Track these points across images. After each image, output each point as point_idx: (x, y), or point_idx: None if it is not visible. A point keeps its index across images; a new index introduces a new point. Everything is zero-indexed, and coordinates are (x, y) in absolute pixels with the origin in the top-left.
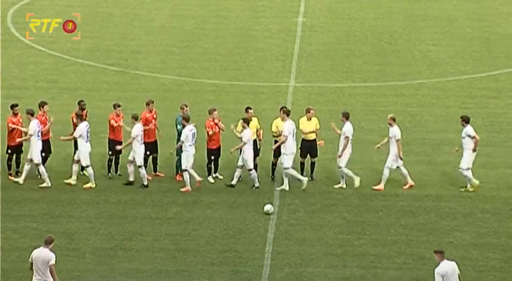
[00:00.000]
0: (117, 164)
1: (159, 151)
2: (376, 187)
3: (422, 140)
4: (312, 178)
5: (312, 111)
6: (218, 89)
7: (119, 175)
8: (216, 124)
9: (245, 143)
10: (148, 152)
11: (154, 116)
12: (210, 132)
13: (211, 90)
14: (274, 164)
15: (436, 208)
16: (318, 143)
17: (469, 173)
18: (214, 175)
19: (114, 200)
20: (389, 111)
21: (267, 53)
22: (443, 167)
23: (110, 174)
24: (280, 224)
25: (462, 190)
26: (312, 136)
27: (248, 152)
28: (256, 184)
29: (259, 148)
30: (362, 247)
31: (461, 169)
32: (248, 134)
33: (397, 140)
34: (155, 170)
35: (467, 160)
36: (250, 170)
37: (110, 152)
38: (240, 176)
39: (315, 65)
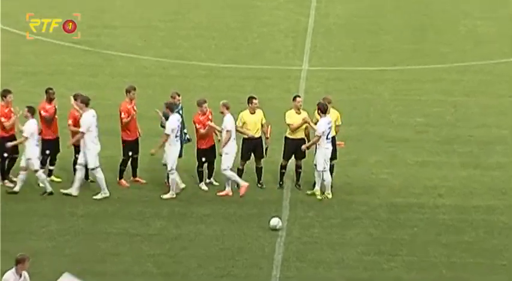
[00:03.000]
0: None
1: (140, 151)
2: (221, 193)
3: (467, 137)
4: (299, 185)
5: (328, 102)
6: (212, 74)
7: (91, 181)
8: (211, 119)
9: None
10: (130, 153)
11: (135, 107)
12: (202, 130)
13: (204, 75)
14: (283, 168)
15: (485, 223)
16: (337, 143)
17: None
18: (207, 181)
19: (82, 213)
20: (426, 102)
21: (274, 28)
22: (494, 171)
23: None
24: (290, 243)
25: None
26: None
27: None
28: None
29: (267, 148)
30: (393, 270)
31: None
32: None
33: (227, 132)
34: (134, 175)
35: None
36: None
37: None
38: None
39: (334, 43)
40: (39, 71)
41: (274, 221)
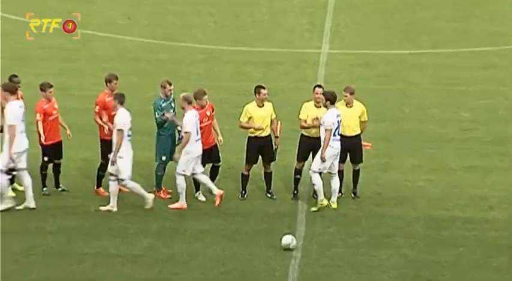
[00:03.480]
0: (57, 173)
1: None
2: (173, 206)
3: None
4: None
5: (351, 92)
6: (211, 58)
7: (62, 190)
8: (211, 115)
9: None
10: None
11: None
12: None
13: (201, 60)
14: (297, 173)
15: None
16: (363, 145)
17: None
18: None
19: (51, 229)
20: (474, 93)
21: (286, 2)
22: None
23: (45, 189)
24: (306, 265)
25: None
26: (354, 130)
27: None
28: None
29: (276, 149)
30: None
31: None
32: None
33: (187, 133)
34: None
35: None
36: (194, 173)
37: (46, 158)
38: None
39: (360, 21)
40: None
41: (287, 239)
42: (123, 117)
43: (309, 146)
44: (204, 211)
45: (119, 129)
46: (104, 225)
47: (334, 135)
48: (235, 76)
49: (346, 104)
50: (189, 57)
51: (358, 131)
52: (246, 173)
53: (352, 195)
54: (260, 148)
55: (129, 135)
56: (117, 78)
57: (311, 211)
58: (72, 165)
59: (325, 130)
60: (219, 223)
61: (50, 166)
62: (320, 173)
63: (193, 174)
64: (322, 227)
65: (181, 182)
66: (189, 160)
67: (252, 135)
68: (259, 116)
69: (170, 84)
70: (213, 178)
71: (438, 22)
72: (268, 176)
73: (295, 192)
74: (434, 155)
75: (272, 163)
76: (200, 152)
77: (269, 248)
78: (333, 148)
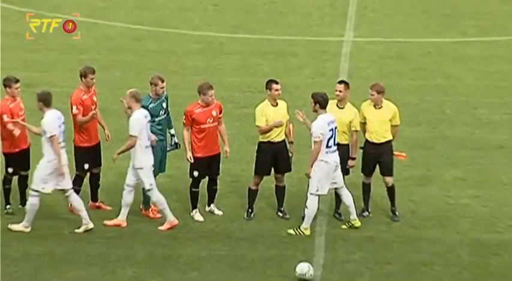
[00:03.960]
0: (24, 188)
1: (102, 162)
2: (109, 223)
3: None
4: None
5: (379, 90)
6: (210, 48)
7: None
8: (217, 116)
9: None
10: (87, 166)
11: (95, 98)
12: (202, 127)
13: (198, 50)
14: None
15: None
16: (395, 154)
17: None
18: (207, 208)
19: (17, 255)
20: None
21: None
22: None
23: (8, 206)
24: None
25: None
26: (384, 136)
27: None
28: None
29: (291, 157)
30: None
31: None
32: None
33: (132, 137)
34: (94, 199)
35: None
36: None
37: (11, 169)
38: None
39: (391, 3)
40: None
41: (303, 268)
42: (52, 121)
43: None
44: (201, 234)
45: (51, 136)
46: (80, 251)
47: (328, 146)
48: (239, 70)
49: (374, 105)
50: (183, 47)
51: (389, 137)
52: (254, 187)
53: (391, 214)
54: (274, 156)
55: (61, 142)
56: (93, 72)
57: (287, 233)
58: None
59: (314, 142)
60: (220, 248)
61: (15, 178)
62: (319, 196)
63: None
64: (346, 253)
65: (127, 196)
66: (147, 172)
67: (265, 140)
68: (275, 117)
69: (162, 81)
70: (212, 194)
71: (486, 5)
72: (280, 191)
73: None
74: (482, 166)
75: (286, 175)
76: (151, 162)
77: (281, 278)
78: (328, 162)
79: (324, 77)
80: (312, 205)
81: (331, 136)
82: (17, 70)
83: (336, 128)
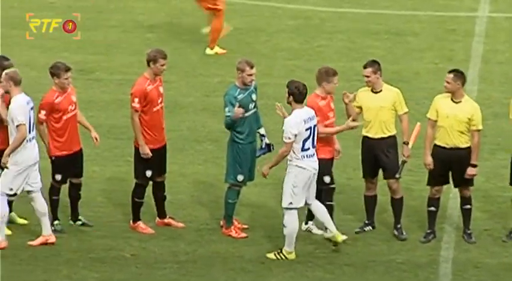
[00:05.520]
0: (75, 199)
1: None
2: None
3: None
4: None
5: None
6: (308, 26)
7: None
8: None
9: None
10: (59, 177)
11: (161, 89)
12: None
13: (292, 28)
14: (433, 202)
15: None
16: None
17: None
18: (305, 227)
19: None
20: None
21: None
22: None
23: (57, 223)
24: None
25: None
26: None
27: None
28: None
29: (404, 162)
30: None
31: None
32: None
33: (20, 126)
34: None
35: None
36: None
37: (59, 177)
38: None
39: None
40: None
41: None
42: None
43: (444, 161)
44: (297, 258)
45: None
46: (146, 278)
47: (304, 149)
48: (344, 53)
49: (451, 99)
50: (274, 24)
51: (466, 144)
52: (367, 193)
53: (465, 237)
54: (376, 157)
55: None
56: (165, 57)
57: (267, 257)
58: None
59: (284, 143)
60: (320, 277)
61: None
62: (297, 210)
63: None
64: None
65: (2, 206)
66: (19, 171)
67: (369, 134)
68: (370, 107)
69: (251, 67)
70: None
71: None
72: (396, 204)
73: (430, 231)
74: None
75: (394, 180)
76: (36, 159)
77: None
78: (305, 169)
79: (451, 62)
80: (289, 222)
81: (309, 137)
82: (68, 52)
83: (315, 126)
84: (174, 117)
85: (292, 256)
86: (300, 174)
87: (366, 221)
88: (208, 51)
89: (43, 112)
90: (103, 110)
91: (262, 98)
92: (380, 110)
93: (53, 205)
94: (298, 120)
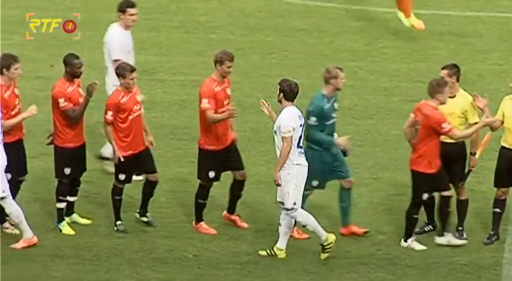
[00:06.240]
0: (147, 196)
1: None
2: None
3: None
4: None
5: None
6: (373, 25)
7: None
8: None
9: None
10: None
11: (228, 90)
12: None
13: (358, 29)
14: (497, 205)
15: None
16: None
17: None
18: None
19: None
20: None
21: None
22: None
23: (120, 223)
24: None
25: None
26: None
27: None
28: None
29: (470, 171)
30: None
31: None
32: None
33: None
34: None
35: None
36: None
37: (122, 176)
38: None
39: None
40: None
41: None
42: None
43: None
44: (359, 260)
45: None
46: (209, 279)
47: (299, 146)
48: (408, 54)
49: None
50: (337, 25)
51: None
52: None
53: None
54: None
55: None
56: (232, 60)
57: (258, 254)
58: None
59: (282, 139)
60: (383, 278)
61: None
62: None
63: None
64: None
65: (11, 207)
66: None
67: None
68: (446, 112)
69: (342, 71)
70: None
71: None
72: (461, 205)
73: (493, 232)
74: None
75: (461, 185)
76: (5, 162)
77: None
78: (302, 165)
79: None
80: (305, 219)
81: (301, 135)
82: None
83: (303, 125)
84: (237, 118)
85: (283, 255)
86: (299, 172)
87: (426, 221)
88: (404, 20)
89: (110, 113)
90: (166, 110)
91: None
92: (449, 115)
93: (115, 205)
94: (293, 115)
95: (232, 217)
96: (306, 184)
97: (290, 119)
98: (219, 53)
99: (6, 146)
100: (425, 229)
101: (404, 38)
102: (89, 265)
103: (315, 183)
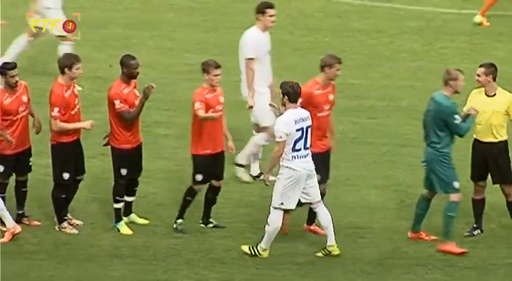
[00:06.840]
0: (212, 202)
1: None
2: None
3: None
4: None
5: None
6: (432, 26)
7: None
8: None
9: None
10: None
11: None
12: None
13: (417, 29)
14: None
15: None
16: None
17: None
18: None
19: None
20: None
21: None
22: None
23: (180, 221)
24: None
25: None
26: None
27: None
28: None
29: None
30: None
31: None
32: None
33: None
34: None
35: None
36: None
37: (200, 177)
38: None
39: None
40: None
41: None
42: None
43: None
44: (417, 261)
45: None
46: (266, 279)
47: (295, 150)
48: (467, 55)
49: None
50: (396, 26)
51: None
52: (475, 196)
53: None
54: (484, 159)
55: None
56: (341, 62)
57: (242, 251)
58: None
59: (276, 142)
60: (440, 279)
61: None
62: (286, 211)
63: None
64: None
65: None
66: None
67: (475, 137)
68: (481, 111)
69: (461, 72)
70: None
71: None
72: (511, 207)
73: (475, 225)
74: None
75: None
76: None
77: None
78: (296, 170)
79: None
80: (274, 221)
81: (301, 137)
82: (189, 53)
83: (308, 127)
84: None
85: (266, 254)
86: (290, 176)
87: (475, 225)
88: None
89: (200, 109)
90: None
91: (385, 99)
92: (493, 114)
93: (184, 205)
94: (288, 120)
95: (312, 228)
96: (451, 189)
97: (284, 124)
98: (326, 57)
99: (63, 145)
100: (474, 233)
101: (463, 39)
102: (147, 265)
103: (456, 185)
